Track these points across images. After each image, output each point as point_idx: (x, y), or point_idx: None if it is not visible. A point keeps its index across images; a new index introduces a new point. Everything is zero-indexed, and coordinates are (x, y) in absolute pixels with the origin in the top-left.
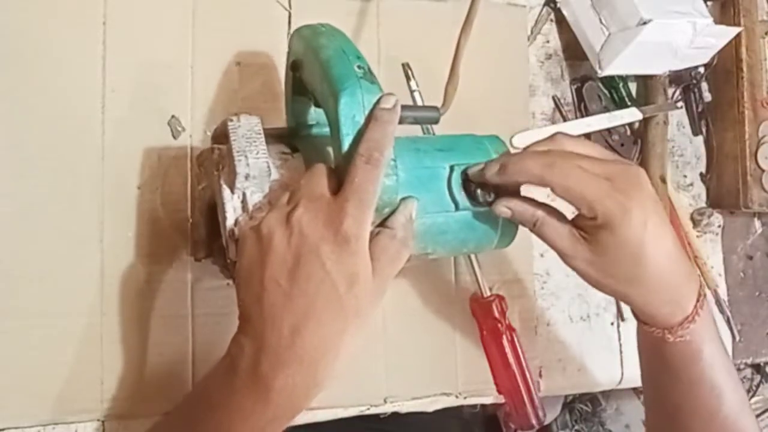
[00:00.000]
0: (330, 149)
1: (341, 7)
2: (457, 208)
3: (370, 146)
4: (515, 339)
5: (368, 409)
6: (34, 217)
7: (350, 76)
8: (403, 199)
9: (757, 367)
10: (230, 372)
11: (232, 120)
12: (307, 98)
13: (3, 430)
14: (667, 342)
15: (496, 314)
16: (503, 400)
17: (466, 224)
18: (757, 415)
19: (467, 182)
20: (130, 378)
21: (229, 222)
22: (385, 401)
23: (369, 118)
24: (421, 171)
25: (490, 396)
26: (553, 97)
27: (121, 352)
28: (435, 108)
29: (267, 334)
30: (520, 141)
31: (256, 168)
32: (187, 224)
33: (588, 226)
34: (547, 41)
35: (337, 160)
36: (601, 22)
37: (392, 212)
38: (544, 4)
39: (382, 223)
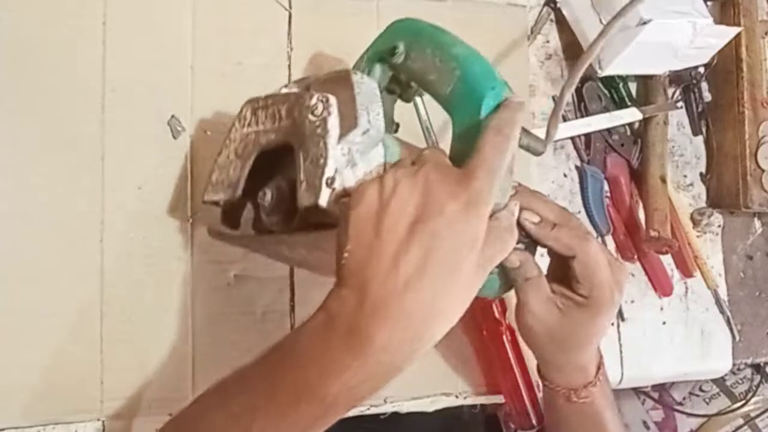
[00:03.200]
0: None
1: (341, 7)
2: None
3: (501, 123)
4: (515, 339)
5: (368, 409)
6: (34, 217)
7: (494, 75)
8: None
9: (757, 367)
10: (326, 327)
11: (356, 73)
12: (395, 95)
13: (3, 430)
14: (571, 401)
15: (496, 314)
16: (503, 400)
17: None
18: (757, 415)
19: None
20: (130, 378)
21: (330, 169)
22: (385, 401)
23: (498, 106)
24: None
25: (490, 396)
26: (553, 97)
27: (121, 352)
28: (542, 141)
29: (375, 286)
30: None
31: (375, 127)
32: (188, 224)
33: (572, 300)
34: (547, 41)
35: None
36: (601, 22)
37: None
38: (544, 4)
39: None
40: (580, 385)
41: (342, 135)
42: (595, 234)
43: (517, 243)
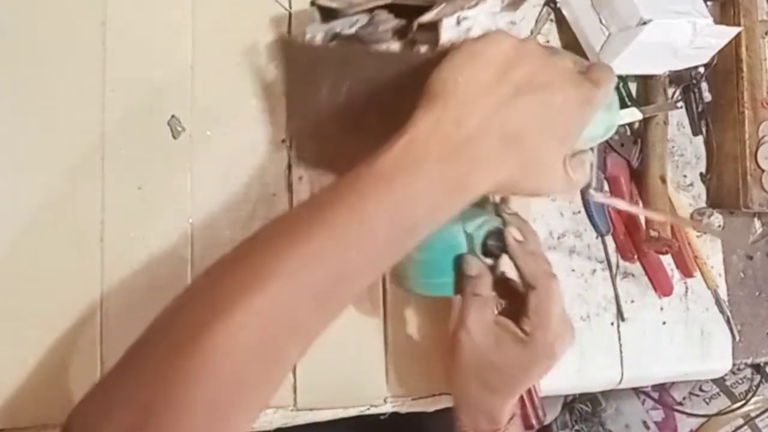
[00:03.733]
0: None
1: None
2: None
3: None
4: None
5: (368, 409)
6: (34, 217)
7: None
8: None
9: (757, 367)
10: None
11: None
12: None
13: (3, 430)
14: None
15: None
16: None
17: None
18: (757, 415)
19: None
20: None
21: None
22: (385, 401)
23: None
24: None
25: None
26: None
27: (121, 352)
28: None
29: (476, 118)
30: None
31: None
32: (188, 223)
33: (513, 333)
34: (547, 41)
35: None
36: (601, 22)
37: None
38: (544, 4)
39: None
40: (486, 430)
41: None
42: (594, 234)
43: (488, 256)
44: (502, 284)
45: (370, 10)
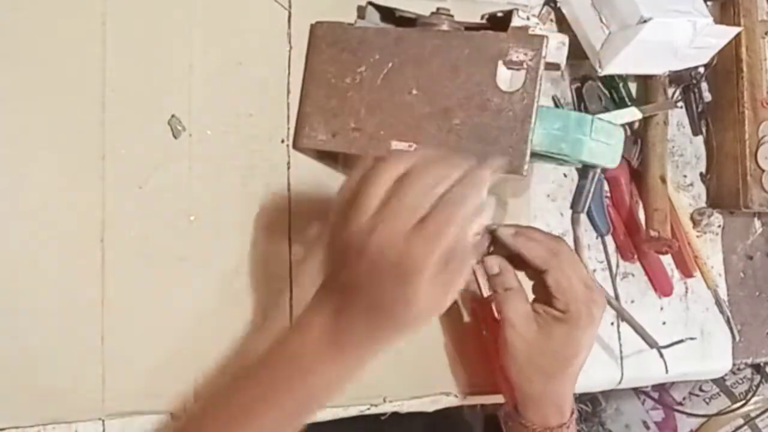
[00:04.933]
0: None
1: (341, 7)
2: None
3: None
4: None
5: (368, 409)
6: (34, 216)
7: None
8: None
9: (757, 367)
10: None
11: None
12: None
13: (3, 429)
14: None
15: (496, 314)
16: (503, 400)
17: None
18: (757, 415)
19: None
20: (130, 377)
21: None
22: (385, 401)
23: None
24: None
25: (490, 396)
26: (553, 97)
27: (122, 351)
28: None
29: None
30: None
31: None
32: (189, 223)
33: (550, 316)
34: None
35: None
36: (601, 21)
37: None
38: (544, 4)
39: None
40: (555, 425)
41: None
42: (594, 234)
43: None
44: (519, 262)
45: None
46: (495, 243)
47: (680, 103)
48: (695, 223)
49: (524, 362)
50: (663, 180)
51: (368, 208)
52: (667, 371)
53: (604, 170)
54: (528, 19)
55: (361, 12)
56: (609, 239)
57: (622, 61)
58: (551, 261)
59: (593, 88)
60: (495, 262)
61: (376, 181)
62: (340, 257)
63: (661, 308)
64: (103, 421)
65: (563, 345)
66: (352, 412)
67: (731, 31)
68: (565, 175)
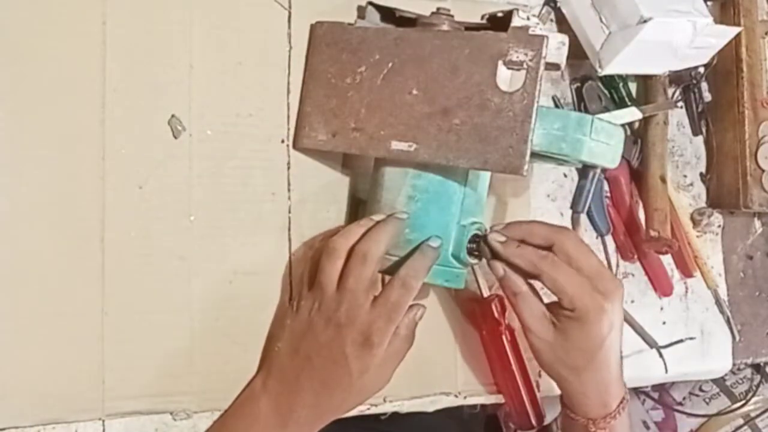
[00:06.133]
0: None
1: (341, 7)
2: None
3: (409, 273)
4: (515, 339)
5: (368, 409)
6: (34, 217)
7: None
8: (412, 306)
9: (757, 367)
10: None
11: None
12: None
13: (3, 430)
14: (588, 431)
15: (496, 314)
16: (503, 400)
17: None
18: (757, 415)
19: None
20: (130, 377)
21: None
22: (385, 401)
23: (416, 249)
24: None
25: (490, 396)
26: (553, 97)
27: (121, 352)
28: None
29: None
30: None
31: None
32: (189, 223)
33: (562, 315)
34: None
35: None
36: (601, 21)
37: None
38: (544, 4)
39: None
40: (599, 416)
41: None
42: (594, 234)
43: (470, 254)
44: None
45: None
46: (472, 239)
47: (680, 103)
48: (695, 223)
49: (552, 361)
50: (663, 180)
51: (331, 282)
52: (666, 371)
53: (604, 170)
54: (528, 19)
55: (361, 12)
56: (609, 239)
57: (622, 61)
58: (541, 265)
59: (593, 88)
60: (499, 265)
61: (332, 257)
62: (305, 327)
63: (661, 308)
64: (103, 421)
65: (582, 340)
66: (353, 412)
67: (731, 31)
68: (565, 175)
